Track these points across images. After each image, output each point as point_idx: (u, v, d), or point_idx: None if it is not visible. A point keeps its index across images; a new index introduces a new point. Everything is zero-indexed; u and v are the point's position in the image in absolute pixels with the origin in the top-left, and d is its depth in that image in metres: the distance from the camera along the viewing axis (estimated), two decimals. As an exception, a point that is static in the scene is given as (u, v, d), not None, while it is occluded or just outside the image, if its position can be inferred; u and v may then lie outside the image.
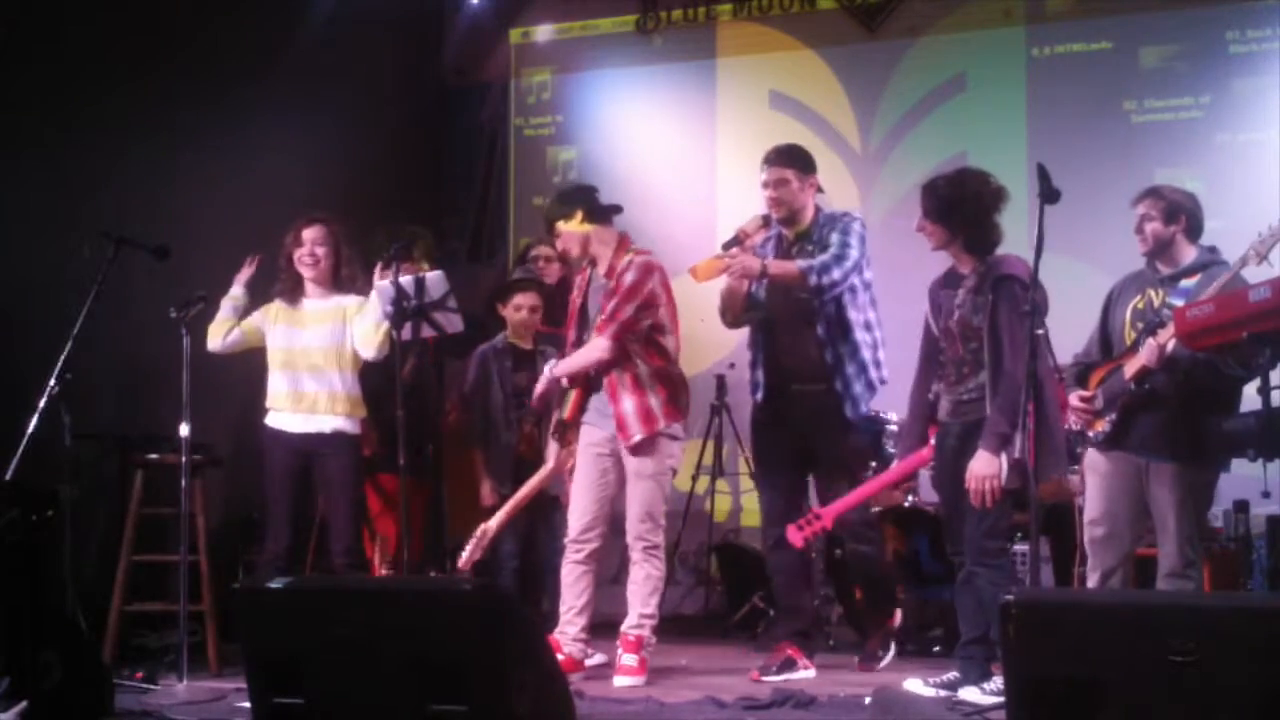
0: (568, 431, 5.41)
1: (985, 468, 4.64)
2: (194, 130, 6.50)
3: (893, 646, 5.62)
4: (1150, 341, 4.71)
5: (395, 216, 6.42)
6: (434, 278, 5.27)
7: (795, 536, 5.19)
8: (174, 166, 6.42)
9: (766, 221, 5.36)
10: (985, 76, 7.77)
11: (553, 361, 5.50)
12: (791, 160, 5.41)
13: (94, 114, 6.15)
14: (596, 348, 5.30)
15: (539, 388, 5.54)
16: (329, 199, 7.10)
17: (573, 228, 5.36)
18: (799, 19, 8.18)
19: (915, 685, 4.78)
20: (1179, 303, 4.79)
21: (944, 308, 4.96)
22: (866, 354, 5.36)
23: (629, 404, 5.27)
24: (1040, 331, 4.48)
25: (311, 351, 5.50)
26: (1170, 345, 4.67)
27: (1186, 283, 4.88)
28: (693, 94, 8.36)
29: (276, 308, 5.52)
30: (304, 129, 7.10)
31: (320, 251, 5.53)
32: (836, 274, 5.23)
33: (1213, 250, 4.96)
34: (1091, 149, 7.24)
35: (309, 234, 5.53)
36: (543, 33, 8.74)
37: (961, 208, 4.81)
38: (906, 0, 7.93)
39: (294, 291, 5.52)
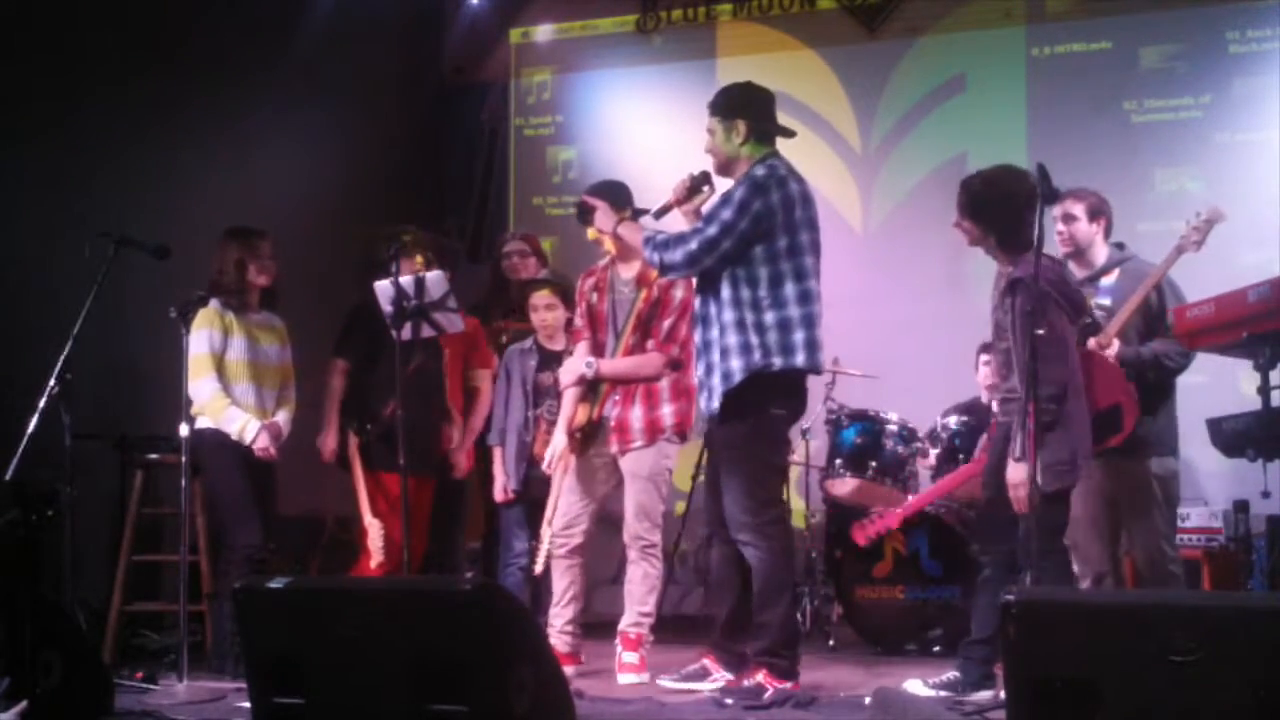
0: (593, 431, 5.37)
1: (1018, 475, 4.45)
2: (194, 130, 6.51)
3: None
4: (1091, 343, 4.73)
5: (395, 216, 6.41)
6: (434, 278, 5.26)
7: (858, 535, 5.41)
8: (174, 166, 6.42)
9: (703, 180, 4.92)
10: (985, 76, 7.77)
11: (591, 359, 5.37)
12: (716, 106, 4.81)
13: (94, 113, 6.15)
14: (654, 363, 5.31)
15: (569, 379, 5.41)
16: (328, 198, 7.14)
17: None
18: (799, 19, 8.18)
19: (915, 686, 4.76)
20: (1106, 301, 4.86)
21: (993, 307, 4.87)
22: (740, 338, 4.64)
23: (638, 412, 5.31)
24: (1040, 331, 4.48)
25: (272, 368, 5.56)
26: (1114, 347, 4.70)
27: (1106, 281, 4.92)
28: (693, 94, 8.30)
29: (229, 319, 5.45)
30: (304, 129, 7.11)
31: (273, 265, 5.55)
32: (676, 255, 4.67)
33: (1121, 247, 5.01)
34: (1091, 149, 7.24)
35: (266, 247, 5.53)
36: (543, 33, 8.75)
37: (995, 206, 4.65)
38: (906, 0, 7.93)
39: (243, 303, 5.51)
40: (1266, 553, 6.00)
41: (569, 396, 5.43)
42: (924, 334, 7.35)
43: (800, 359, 4.66)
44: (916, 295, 7.50)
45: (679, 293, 5.32)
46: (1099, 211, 5.02)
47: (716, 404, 4.69)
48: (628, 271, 5.42)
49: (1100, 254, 5.02)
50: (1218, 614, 3.11)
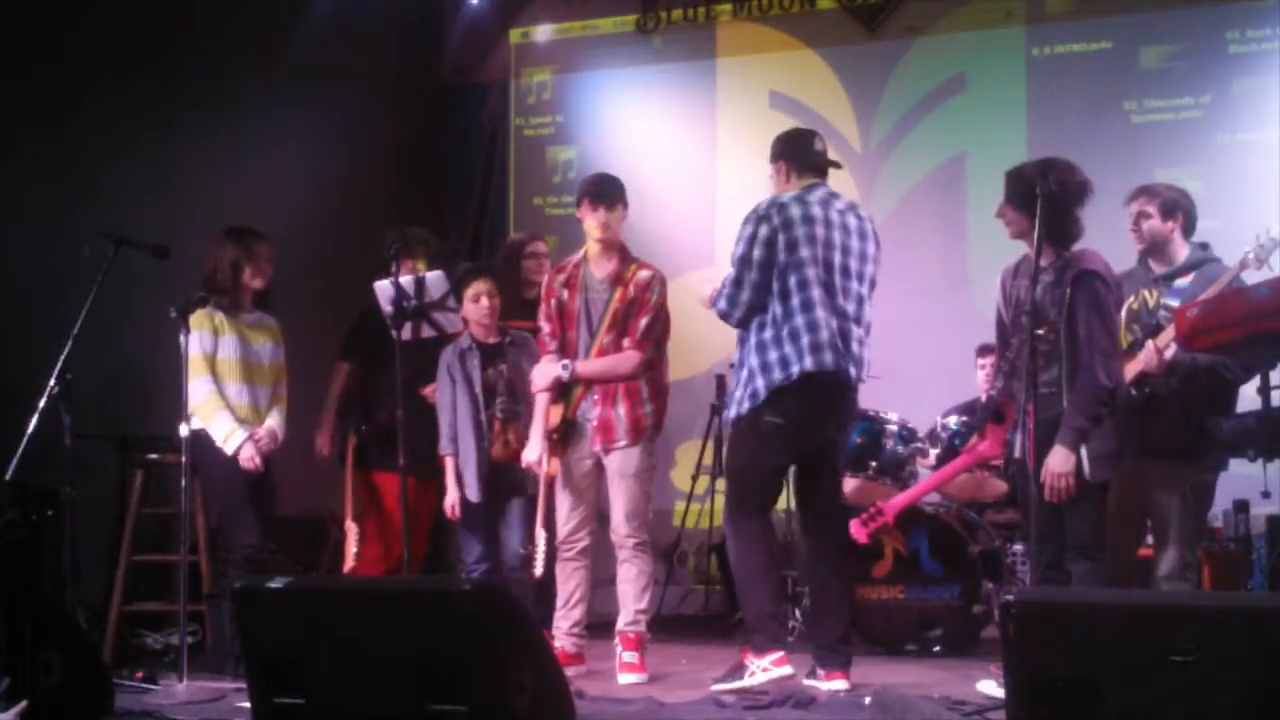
0: (568, 431, 5.40)
1: (1060, 464, 4.55)
2: (194, 130, 6.51)
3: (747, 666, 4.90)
4: (1149, 346, 4.69)
5: (395, 216, 6.42)
6: (434, 278, 5.26)
7: (859, 532, 5.47)
8: (174, 166, 6.43)
9: None
10: (985, 76, 7.77)
11: (566, 361, 5.36)
12: (770, 155, 5.20)
13: (94, 114, 6.16)
14: (630, 361, 5.33)
15: (543, 382, 5.39)
16: (329, 199, 7.14)
17: (616, 217, 5.39)
18: (799, 19, 8.19)
19: (989, 687, 4.60)
20: (1175, 303, 4.78)
21: (1016, 299, 4.84)
22: (758, 358, 4.92)
23: (621, 411, 5.33)
24: (1040, 331, 4.47)
25: (264, 368, 5.54)
26: (1170, 350, 4.66)
27: (1181, 282, 4.86)
28: (693, 94, 8.36)
29: (220, 320, 5.42)
30: (304, 129, 7.11)
31: (269, 269, 5.54)
32: (721, 303, 5.00)
33: (1204, 247, 4.94)
34: (1091, 149, 7.21)
35: (263, 250, 5.52)
36: (543, 33, 8.75)
37: (1046, 198, 4.58)
38: (906, 0, 7.94)
39: (235, 304, 5.49)
40: (1266, 553, 6.02)
41: (541, 399, 5.41)
42: (924, 334, 7.36)
43: (809, 363, 4.82)
44: (916, 295, 7.50)
45: (655, 294, 5.37)
46: (1175, 208, 4.91)
47: (732, 415, 5.00)
48: (601, 270, 5.43)
49: (1180, 252, 4.92)
50: (1218, 614, 3.12)
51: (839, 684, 4.86)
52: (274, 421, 5.50)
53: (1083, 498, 4.58)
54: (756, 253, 4.88)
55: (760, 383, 4.89)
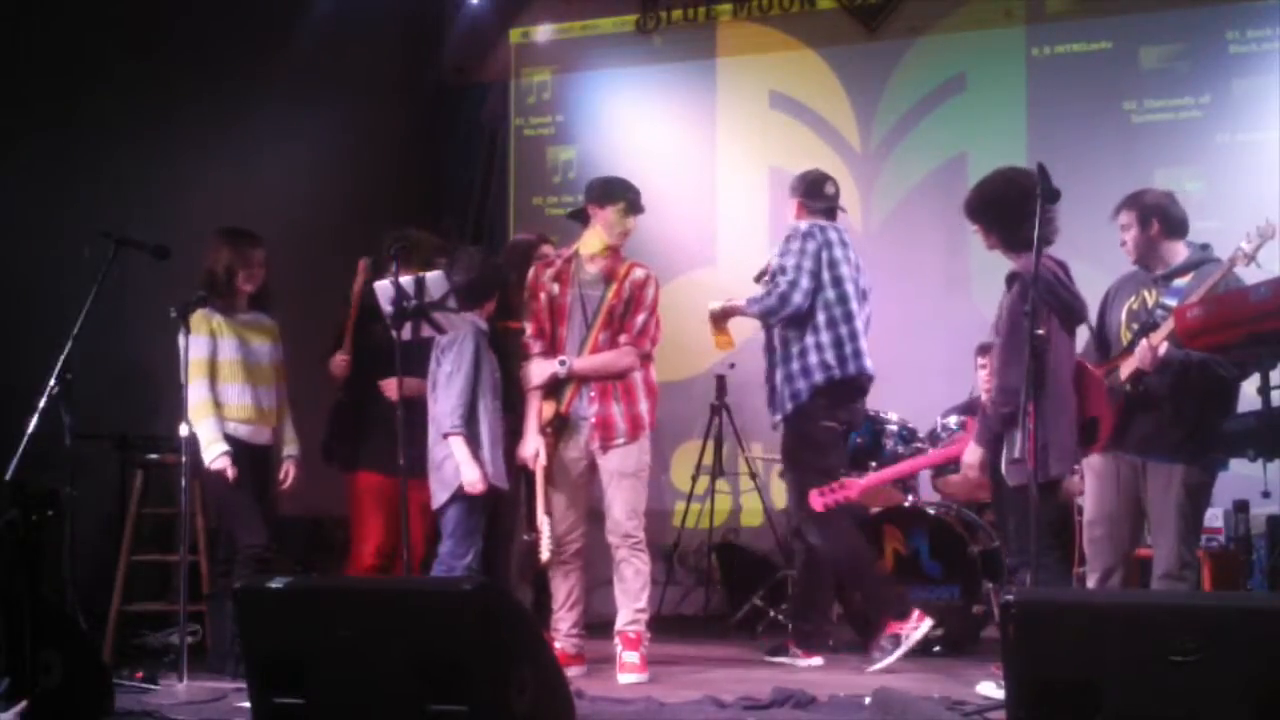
0: (561, 427, 5.39)
1: (965, 456, 4.92)
2: (194, 130, 6.51)
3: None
4: (1143, 343, 4.70)
5: (395, 216, 6.42)
6: (434, 278, 5.25)
7: (816, 501, 5.47)
8: (174, 166, 6.43)
9: None
10: (985, 76, 7.77)
11: (564, 358, 5.35)
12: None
13: (93, 114, 6.16)
14: (626, 357, 5.36)
15: (539, 379, 5.38)
16: (328, 198, 7.14)
17: (612, 216, 5.41)
18: (799, 19, 8.19)
19: (988, 688, 4.65)
20: (1172, 302, 4.78)
21: None
22: (799, 363, 5.54)
23: (618, 409, 5.35)
24: (1040, 331, 4.47)
25: (264, 368, 5.54)
26: (1163, 347, 4.66)
27: (1179, 282, 4.86)
28: (693, 94, 8.36)
29: (218, 321, 5.42)
30: (304, 129, 7.11)
31: (261, 272, 5.54)
32: (770, 303, 5.55)
33: (1205, 248, 4.94)
34: (1091, 149, 7.25)
35: (257, 255, 5.51)
36: (543, 33, 8.76)
37: (990, 209, 4.88)
38: (906, 0, 7.94)
39: (230, 306, 5.49)
40: (1266, 553, 6.02)
41: (535, 394, 5.39)
42: (924, 334, 7.36)
43: (851, 367, 5.56)
44: (916, 295, 7.50)
45: (650, 292, 5.40)
46: (1150, 213, 4.89)
47: (778, 416, 5.66)
48: (594, 265, 5.43)
49: (1174, 253, 4.91)
50: (1218, 614, 3.12)
51: (816, 661, 5.58)
52: (293, 449, 5.58)
53: (1011, 508, 4.67)
54: (809, 264, 5.50)
55: (802, 384, 5.50)
